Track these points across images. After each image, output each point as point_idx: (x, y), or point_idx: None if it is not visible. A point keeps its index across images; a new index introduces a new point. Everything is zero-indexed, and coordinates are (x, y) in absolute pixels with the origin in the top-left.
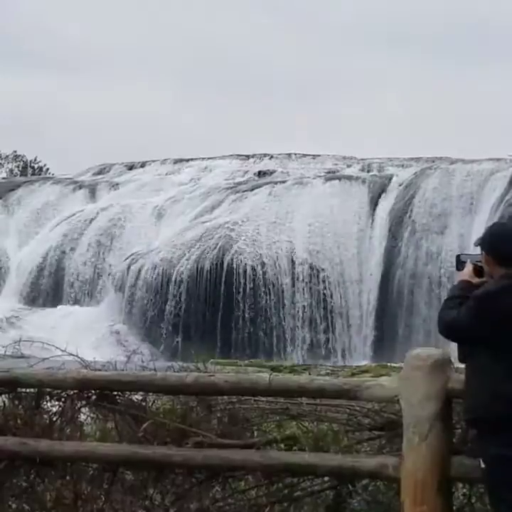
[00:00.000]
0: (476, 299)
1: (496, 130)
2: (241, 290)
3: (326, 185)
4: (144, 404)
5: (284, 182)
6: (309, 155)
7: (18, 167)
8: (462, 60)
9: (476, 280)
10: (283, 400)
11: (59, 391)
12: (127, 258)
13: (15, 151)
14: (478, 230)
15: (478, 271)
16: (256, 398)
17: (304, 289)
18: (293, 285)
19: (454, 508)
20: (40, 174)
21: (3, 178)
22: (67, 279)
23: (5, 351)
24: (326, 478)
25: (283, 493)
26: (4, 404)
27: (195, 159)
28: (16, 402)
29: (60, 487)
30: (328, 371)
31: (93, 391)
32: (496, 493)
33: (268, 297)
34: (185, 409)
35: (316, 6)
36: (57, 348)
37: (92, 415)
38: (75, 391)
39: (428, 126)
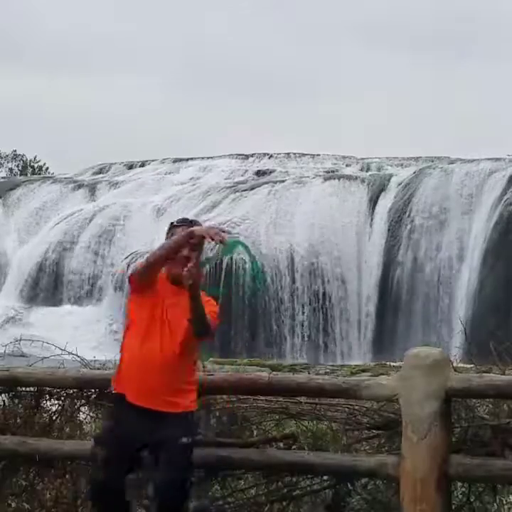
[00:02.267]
0: None
1: (495, 130)
2: (240, 289)
3: (325, 184)
4: None
5: (283, 181)
6: (308, 154)
7: (17, 166)
8: (462, 60)
9: None
10: (282, 399)
11: (59, 390)
12: (127, 257)
13: (14, 150)
14: (477, 229)
15: None
16: (255, 397)
17: (303, 288)
18: (292, 284)
19: (453, 506)
20: (39, 173)
21: (3, 178)
22: (66, 278)
23: (5, 350)
24: (325, 477)
25: (282, 492)
26: (4, 403)
27: (195, 159)
28: (16, 401)
29: (60, 486)
30: (327, 370)
31: (93, 390)
32: None
33: (267, 296)
34: None
35: (317, 6)
36: (56, 347)
37: (91, 414)
38: (75, 390)
39: (428, 126)
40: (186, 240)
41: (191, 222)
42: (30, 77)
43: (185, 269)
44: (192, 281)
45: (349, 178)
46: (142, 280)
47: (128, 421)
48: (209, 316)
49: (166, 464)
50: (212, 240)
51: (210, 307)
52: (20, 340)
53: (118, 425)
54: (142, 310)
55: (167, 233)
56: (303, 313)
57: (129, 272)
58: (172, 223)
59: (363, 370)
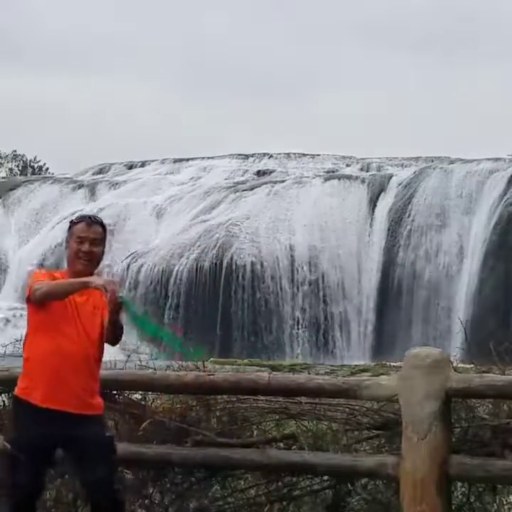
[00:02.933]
0: None
1: (496, 130)
2: (240, 289)
3: (325, 184)
4: (143, 403)
5: (283, 181)
6: (308, 154)
7: (17, 166)
8: (462, 60)
9: None
10: (282, 399)
11: None
12: (127, 257)
13: (14, 151)
14: (477, 229)
15: None
16: (255, 397)
17: (303, 288)
18: (292, 284)
19: (453, 506)
20: (39, 174)
21: (3, 178)
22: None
23: (5, 350)
24: (325, 477)
25: (282, 492)
26: (4, 403)
27: (195, 159)
28: None
29: (60, 486)
30: (327, 370)
31: None
32: None
33: (267, 296)
34: (184, 408)
35: (317, 6)
36: None
37: None
38: None
39: (428, 126)
40: (82, 288)
41: (90, 218)
42: (30, 77)
43: (103, 287)
44: (114, 302)
45: (349, 178)
46: (39, 303)
47: (40, 424)
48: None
49: (96, 460)
50: (108, 293)
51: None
52: (20, 340)
53: (29, 429)
54: (49, 313)
55: (68, 230)
56: (302, 312)
57: (29, 283)
58: (72, 221)
59: (363, 370)
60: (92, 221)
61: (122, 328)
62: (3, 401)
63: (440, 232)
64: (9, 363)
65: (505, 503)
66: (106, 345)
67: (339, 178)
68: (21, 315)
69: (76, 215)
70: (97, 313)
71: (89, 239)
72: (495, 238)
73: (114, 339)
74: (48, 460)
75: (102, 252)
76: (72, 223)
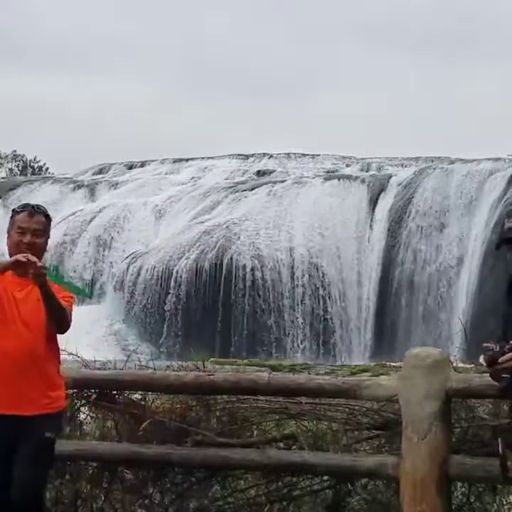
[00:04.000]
0: None
1: (496, 130)
2: (240, 289)
3: (325, 184)
4: (143, 403)
5: (283, 181)
6: (308, 155)
7: (17, 166)
8: (462, 60)
9: None
10: (282, 399)
11: None
12: (127, 257)
13: (14, 151)
14: (477, 229)
15: None
16: (255, 397)
17: (303, 288)
18: (292, 284)
19: (453, 506)
20: (39, 174)
21: (3, 178)
22: (66, 278)
23: None
24: (325, 477)
25: (282, 492)
26: None
27: (195, 159)
28: None
29: (60, 486)
30: (327, 370)
31: (93, 390)
32: None
33: (267, 296)
34: (184, 408)
35: (317, 6)
36: None
37: (91, 414)
38: (75, 390)
39: (428, 126)
40: (6, 268)
41: (32, 208)
42: (30, 77)
43: (23, 256)
44: (35, 273)
45: (349, 178)
46: None
47: None
48: (65, 305)
49: (29, 459)
50: (31, 264)
51: (63, 293)
52: None
53: None
54: None
55: (10, 219)
56: (303, 312)
57: None
58: (14, 210)
59: (363, 370)
60: (35, 211)
61: (62, 309)
62: None
63: (440, 232)
64: None
65: (505, 503)
66: (105, 347)
67: (339, 178)
68: None
69: (76, 213)
70: (41, 307)
71: (31, 230)
72: (495, 238)
73: (55, 322)
74: (12, 463)
75: (45, 243)
76: (14, 212)
